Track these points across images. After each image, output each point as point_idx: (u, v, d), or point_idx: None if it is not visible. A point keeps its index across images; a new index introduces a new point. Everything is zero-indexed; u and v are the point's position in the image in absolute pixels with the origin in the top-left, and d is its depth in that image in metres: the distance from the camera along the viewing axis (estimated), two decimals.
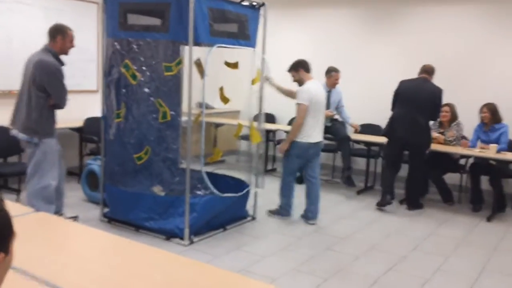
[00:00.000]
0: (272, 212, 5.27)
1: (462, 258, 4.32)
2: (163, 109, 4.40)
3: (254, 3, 4.68)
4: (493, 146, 5.54)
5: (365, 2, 7.31)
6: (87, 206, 5.27)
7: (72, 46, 4.35)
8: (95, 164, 5.33)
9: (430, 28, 6.80)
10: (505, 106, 5.89)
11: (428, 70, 5.69)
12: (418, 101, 5.51)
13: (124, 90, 4.52)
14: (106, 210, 4.83)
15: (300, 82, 5.00)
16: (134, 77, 4.43)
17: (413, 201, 5.80)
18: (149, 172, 4.59)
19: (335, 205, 5.85)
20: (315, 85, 4.99)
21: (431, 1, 6.78)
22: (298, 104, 4.88)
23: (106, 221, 4.75)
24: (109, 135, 4.67)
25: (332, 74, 6.40)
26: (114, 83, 4.56)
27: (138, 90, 4.47)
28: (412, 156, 5.76)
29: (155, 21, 4.40)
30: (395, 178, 5.86)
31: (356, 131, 6.62)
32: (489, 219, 5.50)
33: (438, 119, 6.00)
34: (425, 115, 5.54)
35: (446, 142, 6.00)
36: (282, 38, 7.85)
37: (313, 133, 4.94)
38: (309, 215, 5.10)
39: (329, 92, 6.43)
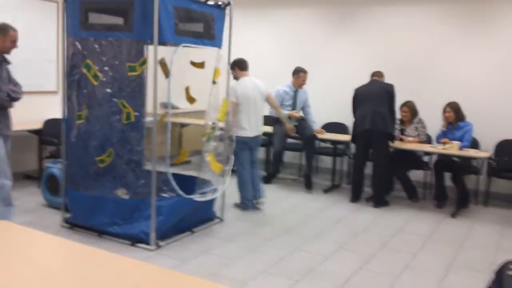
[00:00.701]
0: (237, 205, 5.49)
1: (430, 254, 4.37)
2: (126, 110, 4.27)
3: (220, 3, 4.61)
4: (456, 143, 5.64)
5: (329, 2, 7.34)
6: (48, 211, 5.08)
7: (13, 46, 4.27)
8: (55, 168, 5.14)
9: (393, 28, 6.88)
10: (468, 104, 6.01)
11: (377, 75, 6.02)
12: (374, 97, 5.76)
13: (85, 91, 4.37)
14: (67, 215, 4.65)
15: (237, 80, 5.34)
16: (96, 77, 4.29)
17: (379, 199, 5.86)
18: (112, 175, 4.45)
19: (303, 204, 5.83)
20: (245, 82, 5.28)
21: (394, 2, 6.86)
22: (231, 102, 5.15)
23: (68, 227, 4.58)
24: (70, 137, 4.50)
25: (300, 74, 6.40)
26: (75, 84, 4.40)
27: (100, 90, 4.33)
28: (376, 151, 5.79)
29: (118, 20, 4.27)
30: (364, 175, 5.94)
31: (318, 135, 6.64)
32: (453, 215, 5.60)
33: (398, 117, 6.13)
34: (384, 107, 5.71)
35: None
36: (248, 37, 7.81)
37: (248, 127, 5.29)
38: (256, 195, 5.44)
39: (295, 92, 6.45)
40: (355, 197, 5.97)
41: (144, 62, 4.25)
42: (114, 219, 4.30)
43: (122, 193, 4.51)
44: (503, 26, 6.23)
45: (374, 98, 5.75)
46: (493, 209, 5.98)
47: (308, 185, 6.41)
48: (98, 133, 4.39)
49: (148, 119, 4.68)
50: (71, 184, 4.55)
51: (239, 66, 5.33)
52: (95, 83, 4.30)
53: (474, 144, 6.22)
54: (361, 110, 5.81)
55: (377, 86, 5.87)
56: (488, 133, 6.26)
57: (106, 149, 4.37)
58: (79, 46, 4.30)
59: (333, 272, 3.87)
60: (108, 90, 4.29)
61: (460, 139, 5.76)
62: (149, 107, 4.65)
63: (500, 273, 2.40)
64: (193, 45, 4.42)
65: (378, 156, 5.81)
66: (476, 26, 6.40)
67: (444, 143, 5.80)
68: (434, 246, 4.59)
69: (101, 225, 4.35)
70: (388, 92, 5.77)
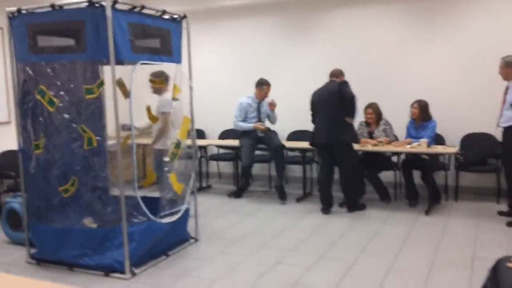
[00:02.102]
0: None
1: (410, 255, 4.32)
2: (87, 135, 4.06)
3: (176, 16, 4.47)
4: (424, 141, 5.67)
5: (287, 9, 7.32)
6: (11, 248, 4.77)
7: None
8: (15, 202, 4.85)
9: (354, 30, 6.92)
10: (431, 101, 6.06)
11: (335, 74, 5.82)
12: (326, 102, 5.61)
13: (41, 119, 4.17)
14: (33, 251, 4.38)
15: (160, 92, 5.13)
16: (51, 103, 4.07)
17: (352, 203, 5.79)
18: (78, 205, 4.25)
19: (277, 216, 5.72)
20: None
21: (354, 4, 6.90)
22: (163, 113, 4.97)
23: (34, 263, 4.31)
24: (29, 168, 4.25)
25: (263, 87, 6.34)
26: (30, 112, 4.18)
27: (57, 117, 4.14)
28: (339, 159, 5.70)
29: (70, 41, 4.06)
30: (332, 183, 5.85)
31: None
32: (427, 212, 5.61)
33: (355, 116, 6.08)
34: (338, 112, 5.53)
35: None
36: (205, 50, 7.71)
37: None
38: None
39: (259, 104, 6.36)
40: (326, 208, 5.78)
41: (102, 84, 4.08)
42: (83, 250, 4.07)
43: (89, 222, 4.30)
44: (465, 24, 6.34)
45: (327, 104, 5.59)
46: (464, 203, 6.03)
47: (282, 196, 6.30)
48: (59, 161, 4.20)
49: (111, 142, 4.49)
50: (34, 218, 4.30)
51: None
52: (51, 109, 4.09)
53: (440, 140, 6.29)
54: (317, 118, 5.73)
55: (330, 89, 5.65)
56: (453, 128, 6.34)
57: (69, 177, 4.17)
58: (30, 72, 4.09)
59: (318, 283, 3.76)
60: (66, 116, 4.10)
61: (426, 137, 5.80)
62: (110, 130, 4.49)
63: (496, 268, 2.35)
64: (151, 62, 4.26)
65: (342, 163, 5.73)
66: (438, 24, 6.49)
67: (408, 143, 5.83)
68: (413, 246, 4.55)
69: (70, 258, 4.11)
70: (338, 93, 5.54)
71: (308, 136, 6.84)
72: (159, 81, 4.79)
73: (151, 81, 4.83)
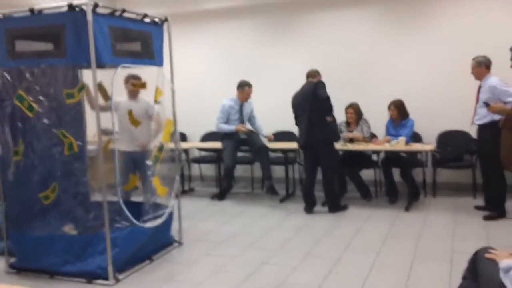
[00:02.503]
0: None
1: (392, 250, 4.40)
2: (68, 140, 4.02)
3: (157, 20, 4.46)
4: (402, 139, 5.79)
5: (266, 11, 7.36)
6: None
7: None
8: None
9: (332, 32, 7.00)
10: (408, 100, 6.18)
11: (311, 74, 5.87)
12: (304, 104, 5.65)
13: (20, 125, 4.10)
14: (13, 260, 4.30)
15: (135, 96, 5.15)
16: (30, 108, 4.02)
17: (334, 204, 5.81)
18: (58, 211, 4.18)
19: (261, 217, 5.74)
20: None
21: (331, 6, 6.98)
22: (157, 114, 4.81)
23: (14, 273, 4.23)
24: (7, 175, 4.18)
25: (244, 89, 6.35)
26: (8, 118, 4.11)
27: (37, 122, 4.07)
28: (321, 157, 5.73)
29: (49, 46, 4.01)
30: (314, 182, 5.89)
31: (270, 140, 6.60)
32: (407, 208, 5.71)
33: (343, 120, 6.18)
34: (316, 113, 5.58)
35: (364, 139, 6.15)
36: (187, 53, 7.68)
37: None
38: None
39: (241, 106, 6.38)
40: (309, 207, 5.84)
41: (83, 88, 4.04)
42: (66, 257, 4.02)
43: (70, 229, 4.24)
44: (437, 24, 6.49)
45: (305, 106, 5.64)
46: (442, 199, 6.16)
47: (275, 193, 6.32)
48: (39, 168, 4.13)
49: (91, 147, 4.45)
50: (13, 226, 4.22)
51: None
52: (30, 114, 4.04)
53: (418, 138, 6.41)
54: (299, 120, 5.78)
55: (305, 90, 5.70)
56: (429, 126, 6.46)
57: (49, 184, 4.11)
58: (8, 77, 4.02)
59: (305, 282, 3.79)
60: (46, 121, 4.04)
61: (403, 135, 5.92)
62: (90, 134, 4.45)
63: (475, 259, 2.42)
64: (133, 65, 4.25)
65: (324, 163, 5.77)
66: (413, 26, 6.63)
67: (387, 141, 5.94)
68: (394, 242, 4.63)
69: (52, 266, 4.05)
70: (313, 94, 5.59)
71: (290, 136, 6.93)
72: (140, 84, 4.76)
73: (133, 84, 4.80)
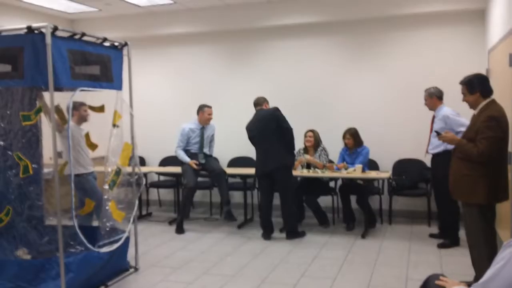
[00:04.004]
0: None
1: (348, 277, 4.46)
2: (23, 163, 3.96)
3: (116, 43, 4.48)
4: (359, 167, 5.92)
5: (226, 38, 7.50)
6: None
7: None
8: None
9: (291, 60, 7.18)
10: (365, 129, 6.38)
11: (259, 103, 5.94)
12: (263, 131, 5.71)
13: None
14: None
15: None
16: None
17: (292, 231, 5.82)
18: (11, 235, 4.10)
19: (218, 242, 5.73)
20: None
21: (289, 35, 7.16)
22: None
23: None
24: None
25: (204, 109, 6.35)
26: None
27: None
28: (281, 183, 5.77)
29: (7, 67, 3.96)
30: (271, 208, 5.93)
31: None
32: (363, 236, 5.81)
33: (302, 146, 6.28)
34: (275, 139, 5.65)
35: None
36: (147, 77, 7.71)
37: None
38: None
39: (202, 129, 6.37)
40: (267, 234, 5.85)
41: (39, 110, 4.00)
42: (17, 283, 3.90)
43: (23, 253, 4.13)
44: (393, 55, 6.76)
45: (261, 132, 5.72)
46: (397, 226, 6.31)
47: (232, 219, 6.28)
48: None
49: (47, 170, 4.38)
50: None
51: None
52: None
53: (374, 166, 6.57)
54: (256, 149, 5.84)
55: (261, 117, 5.78)
56: (385, 154, 6.65)
57: (3, 207, 4.03)
58: None
59: None
60: (1, 143, 3.96)
61: (359, 163, 6.05)
62: (46, 157, 4.39)
63: (425, 286, 2.50)
64: (91, 89, 4.22)
65: (281, 189, 5.81)
66: (367, 55, 6.88)
67: (342, 167, 6.06)
68: (350, 269, 4.70)
69: None
70: (273, 118, 5.66)
71: (249, 162, 6.97)
72: (98, 108, 4.74)
73: (91, 108, 4.77)
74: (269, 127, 5.68)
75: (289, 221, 5.84)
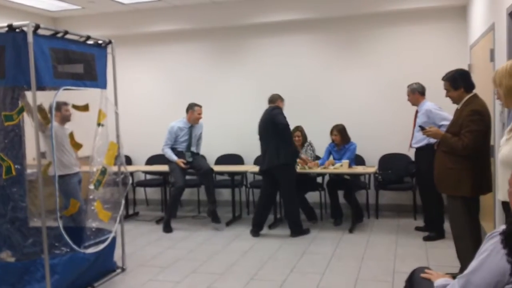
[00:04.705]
0: None
1: (336, 272, 4.48)
2: (6, 164, 3.90)
3: (100, 41, 4.43)
4: (346, 162, 5.94)
5: (214, 36, 7.46)
6: None
7: None
8: None
9: (279, 57, 7.18)
10: (352, 125, 6.39)
11: (272, 100, 5.90)
12: (264, 130, 5.76)
13: None
14: None
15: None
16: None
17: (296, 227, 5.79)
18: None
19: (207, 240, 5.71)
20: None
21: (278, 32, 7.16)
22: None
23: None
24: None
25: (194, 109, 6.29)
26: None
27: None
28: (281, 181, 5.76)
29: None
30: (271, 207, 5.95)
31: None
32: (350, 230, 5.84)
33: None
34: (274, 140, 5.65)
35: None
36: (133, 75, 7.66)
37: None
38: None
39: (190, 128, 6.33)
40: (256, 230, 5.84)
41: (22, 110, 3.94)
42: (1, 286, 3.84)
43: (7, 256, 4.07)
44: (379, 51, 6.80)
45: (263, 131, 5.77)
46: (384, 220, 6.35)
47: (215, 219, 6.29)
48: None
49: (30, 171, 4.33)
50: None
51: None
52: None
53: (360, 161, 6.61)
54: (261, 145, 5.87)
55: (264, 117, 5.82)
56: (371, 149, 6.69)
57: None
58: None
59: None
60: None
61: (346, 159, 6.08)
62: (29, 158, 4.34)
63: (411, 279, 2.51)
64: (75, 88, 4.17)
65: (283, 188, 5.80)
66: (354, 51, 6.92)
67: (328, 164, 6.08)
68: (338, 263, 4.72)
69: None
70: (270, 119, 5.67)
71: (237, 159, 6.98)
72: (83, 107, 4.69)
73: (75, 107, 4.72)
74: (268, 126, 5.71)
75: (290, 218, 5.83)
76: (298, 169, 6.01)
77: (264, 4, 6.98)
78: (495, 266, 1.78)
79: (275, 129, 5.64)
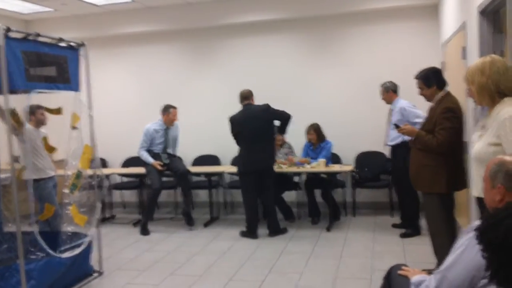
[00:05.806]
0: None
1: (315, 270, 4.51)
2: None
3: (73, 44, 4.36)
4: (322, 161, 5.98)
5: (188, 37, 7.43)
6: None
7: None
8: None
9: (253, 57, 7.19)
10: (327, 123, 6.45)
11: (246, 96, 5.80)
12: (253, 129, 5.63)
13: None
14: None
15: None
16: None
17: (277, 227, 5.80)
18: None
19: (185, 242, 5.68)
20: None
21: (251, 32, 7.17)
22: None
23: None
24: None
25: (170, 111, 6.24)
26: None
27: None
28: (267, 183, 5.75)
29: None
30: (257, 206, 5.93)
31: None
32: (328, 229, 5.88)
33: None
34: (268, 138, 5.67)
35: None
36: (107, 78, 7.58)
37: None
38: None
39: (166, 130, 6.27)
40: (254, 231, 5.75)
41: None
42: None
43: None
44: (351, 52, 6.87)
45: (253, 132, 5.61)
46: (361, 218, 6.42)
47: (190, 222, 6.26)
48: None
49: (4, 175, 4.24)
50: None
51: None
52: None
53: (337, 160, 6.66)
54: (243, 146, 5.70)
55: (252, 114, 5.65)
56: (347, 147, 6.76)
57: None
58: None
59: None
60: None
61: (322, 158, 6.12)
62: (2, 162, 4.25)
63: (389, 276, 2.55)
64: (47, 91, 4.11)
65: (269, 187, 5.79)
66: (328, 51, 6.97)
67: (302, 162, 6.11)
68: (317, 262, 4.75)
69: None
70: (268, 118, 5.64)
71: (213, 160, 6.94)
72: (56, 110, 4.62)
73: (48, 110, 4.64)
74: (262, 126, 5.63)
75: (274, 218, 5.84)
76: (276, 168, 6.03)
77: (237, 5, 6.98)
78: (471, 261, 1.82)
79: (271, 129, 5.64)
